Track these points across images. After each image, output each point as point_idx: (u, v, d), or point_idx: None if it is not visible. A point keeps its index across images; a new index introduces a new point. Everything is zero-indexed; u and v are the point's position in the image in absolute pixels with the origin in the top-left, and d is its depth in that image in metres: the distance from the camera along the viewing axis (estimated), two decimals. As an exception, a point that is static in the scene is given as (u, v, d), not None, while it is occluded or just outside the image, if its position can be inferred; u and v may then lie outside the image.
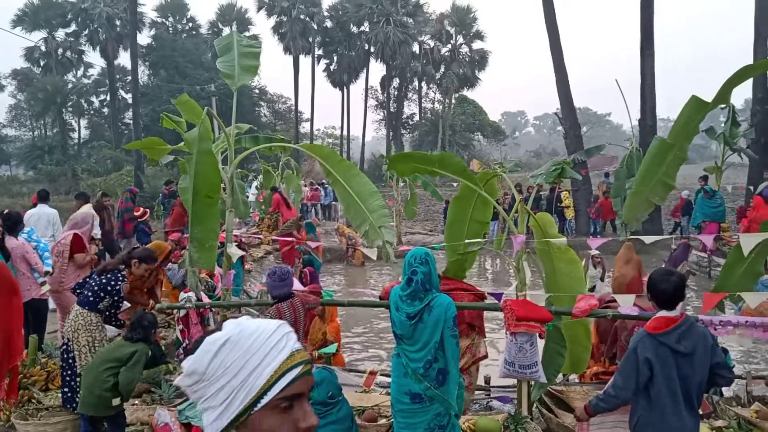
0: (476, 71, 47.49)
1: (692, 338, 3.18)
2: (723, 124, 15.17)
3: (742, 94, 40.29)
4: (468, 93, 49.26)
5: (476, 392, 5.38)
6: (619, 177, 12.06)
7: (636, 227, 5.21)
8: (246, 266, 10.88)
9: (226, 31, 45.05)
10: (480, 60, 47.45)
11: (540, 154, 65.07)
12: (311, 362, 1.18)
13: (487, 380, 5.95)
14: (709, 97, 4.22)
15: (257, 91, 45.82)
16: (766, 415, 4.41)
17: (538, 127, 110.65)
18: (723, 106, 4.46)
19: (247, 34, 43.59)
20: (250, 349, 1.13)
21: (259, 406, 1.11)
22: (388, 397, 4.77)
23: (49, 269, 6.62)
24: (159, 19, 45.25)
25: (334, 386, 3.49)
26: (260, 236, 12.74)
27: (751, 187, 16.23)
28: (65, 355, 5.04)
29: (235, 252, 5.34)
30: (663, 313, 3.25)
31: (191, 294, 5.68)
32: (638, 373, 3.20)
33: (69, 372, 4.99)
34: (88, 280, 5.47)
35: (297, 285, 6.51)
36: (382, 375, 5.65)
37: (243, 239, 10.27)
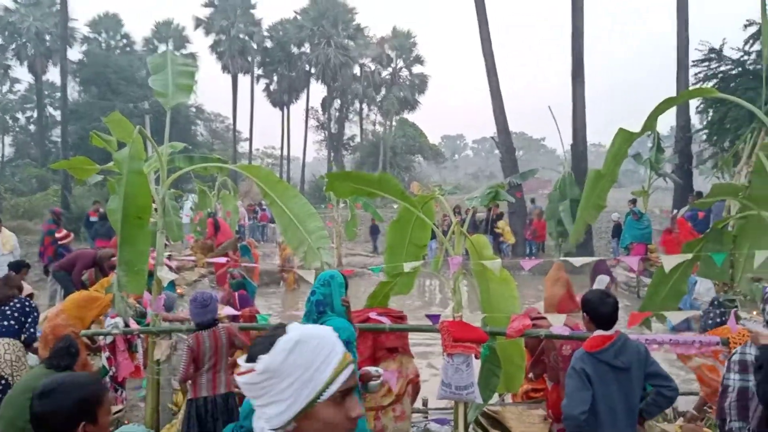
0: (416, 94, 48.28)
1: (628, 353, 3.30)
2: (649, 150, 15.91)
3: (668, 121, 42.58)
4: (408, 116, 50.01)
5: (414, 415, 5.35)
6: (552, 200, 12.47)
7: (572, 249, 5.43)
8: (179, 290, 10.54)
9: (162, 48, 43.99)
10: (420, 84, 48.32)
11: (478, 176, 66.55)
12: (355, 361, 1.28)
13: (425, 402, 5.94)
14: (636, 124, 4.46)
15: (194, 109, 44.77)
16: (690, 431, 4.57)
17: (476, 150, 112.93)
18: (649, 133, 4.69)
19: (184, 51, 42.81)
20: (315, 349, 1.30)
21: (322, 399, 1.28)
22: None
23: None
24: (91, 35, 43.64)
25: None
26: (193, 258, 12.38)
27: (676, 210, 17.06)
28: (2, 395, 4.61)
29: (165, 276, 5.15)
30: (599, 332, 3.35)
31: (118, 320, 5.44)
32: (582, 384, 3.25)
33: None
34: None
35: (229, 310, 6.35)
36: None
37: (176, 261, 9.94)
